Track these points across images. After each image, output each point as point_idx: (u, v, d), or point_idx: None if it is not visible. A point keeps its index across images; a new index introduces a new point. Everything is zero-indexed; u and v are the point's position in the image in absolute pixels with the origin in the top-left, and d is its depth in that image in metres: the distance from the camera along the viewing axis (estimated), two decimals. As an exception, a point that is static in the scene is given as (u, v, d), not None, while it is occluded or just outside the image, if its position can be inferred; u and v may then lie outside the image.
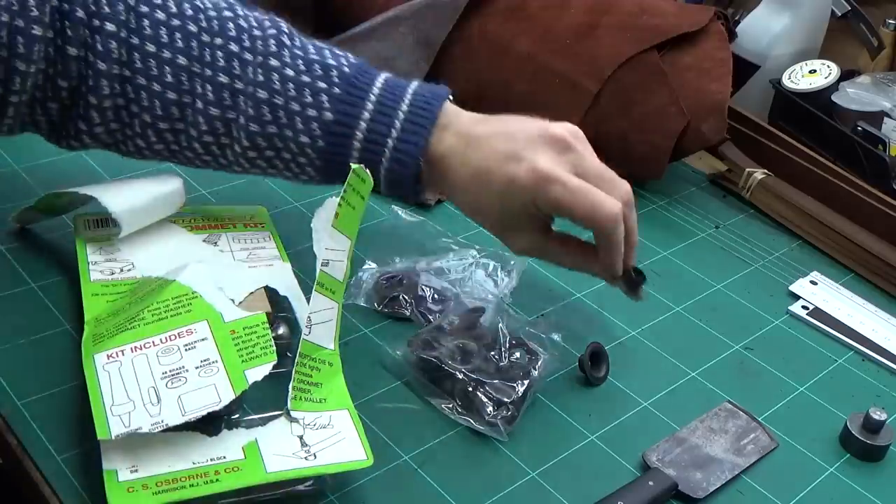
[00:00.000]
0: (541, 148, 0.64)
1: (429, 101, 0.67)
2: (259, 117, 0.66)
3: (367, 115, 0.66)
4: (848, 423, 0.67)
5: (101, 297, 0.65)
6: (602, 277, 0.69)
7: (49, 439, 0.58)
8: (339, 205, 0.61)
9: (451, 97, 0.68)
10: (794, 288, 0.84)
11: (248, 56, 0.67)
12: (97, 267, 0.67)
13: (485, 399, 0.63)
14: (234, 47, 0.66)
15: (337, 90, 0.67)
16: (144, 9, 0.65)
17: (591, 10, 0.95)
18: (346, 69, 0.68)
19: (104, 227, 0.71)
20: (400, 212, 0.82)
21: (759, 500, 0.63)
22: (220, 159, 0.70)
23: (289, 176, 0.71)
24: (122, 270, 0.68)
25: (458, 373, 0.64)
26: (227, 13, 0.68)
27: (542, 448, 0.63)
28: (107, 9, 0.64)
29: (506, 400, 0.62)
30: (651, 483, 0.61)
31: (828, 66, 1.03)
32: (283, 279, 0.68)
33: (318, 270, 0.61)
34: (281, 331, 0.65)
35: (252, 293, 0.66)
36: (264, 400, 0.60)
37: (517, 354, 0.67)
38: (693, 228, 0.91)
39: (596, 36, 0.94)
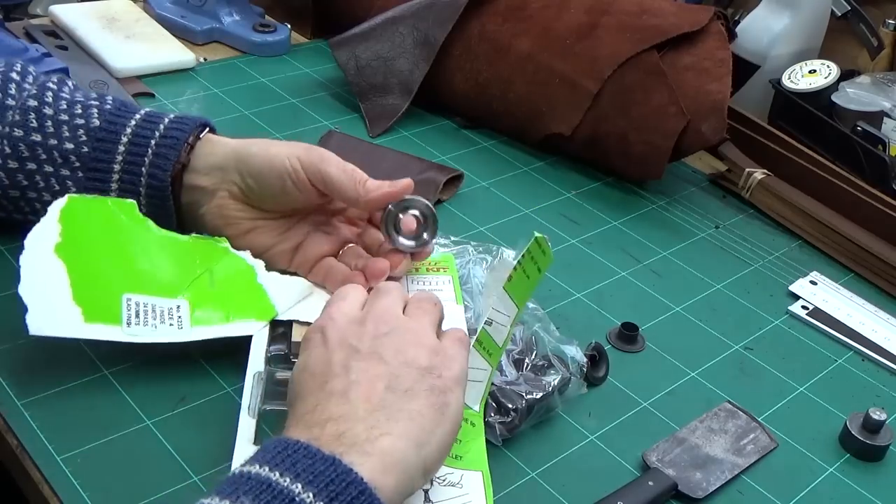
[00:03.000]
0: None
1: (190, 119, 0.71)
2: (25, 124, 0.67)
3: (133, 122, 0.69)
4: (848, 423, 0.67)
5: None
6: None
7: (49, 439, 0.58)
8: (515, 268, 0.59)
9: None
10: (793, 288, 0.84)
11: (29, 79, 0.70)
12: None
13: (491, 401, 0.62)
14: (14, 75, 0.70)
15: (108, 106, 0.70)
16: None
17: (591, 10, 0.95)
18: (123, 104, 0.71)
19: None
20: (400, 212, 0.81)
21: (759, 500, 0.63)
22: None
23: (47, 199, 0.68)
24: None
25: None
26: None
27: (542, 448, 0.63)
28: None
29: (510, 406, 0.62)
30: (651, 483, 0.61)
31: (828, 66, 1.03)
32: (453, 321, 0.65)
33: (480, 327, 0.59)
34: None
35: None
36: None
37: (543, 367, 0.66)
38: (693, 228, 0.91)
39: (596, 36, 0.94)
